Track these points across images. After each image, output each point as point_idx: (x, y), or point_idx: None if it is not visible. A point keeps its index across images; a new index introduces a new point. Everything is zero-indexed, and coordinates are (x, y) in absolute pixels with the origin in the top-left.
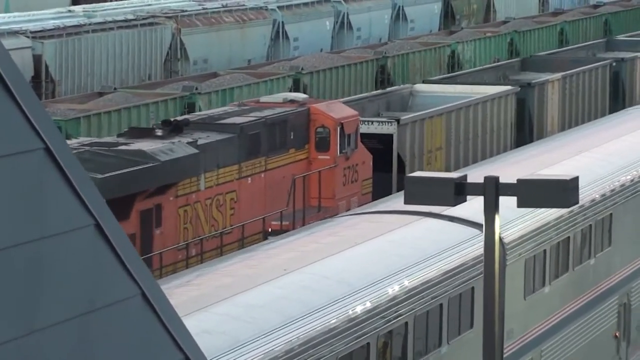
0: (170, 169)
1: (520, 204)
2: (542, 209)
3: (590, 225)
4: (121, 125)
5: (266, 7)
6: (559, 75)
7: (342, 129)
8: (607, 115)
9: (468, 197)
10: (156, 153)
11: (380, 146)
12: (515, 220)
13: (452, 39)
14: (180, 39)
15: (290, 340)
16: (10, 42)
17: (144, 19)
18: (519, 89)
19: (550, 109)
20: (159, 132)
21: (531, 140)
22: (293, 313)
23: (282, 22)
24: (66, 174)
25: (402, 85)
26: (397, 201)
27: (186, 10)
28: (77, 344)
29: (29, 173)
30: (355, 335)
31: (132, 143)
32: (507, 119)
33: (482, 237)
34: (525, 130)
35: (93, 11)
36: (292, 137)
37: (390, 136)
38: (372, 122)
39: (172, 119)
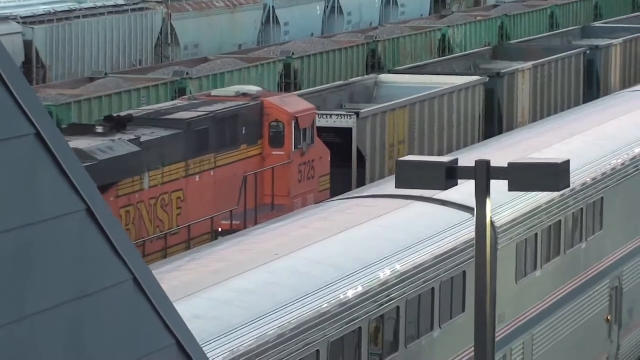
0: (109, 168)
1: (511, 188)
2: (534, 193)
3: (582, 208)
4: (112, 111)
5: None
6: (529, 64)
7: (297, 123)
8: (581, 104)
9: (459, 181)
10: (94, 151)
11: (339, 140)
12: (506, 204)
13: (442, 23)
14: (171, 24)
15: (282, 325)
16: (0, 28)
17: (134, 4)
18: (488, 79)
19: (521, 100)
20: (100, 129)
21: (500, 132)
22: (284, 298)
23: (273, 6)
24: (57, 160)
25: (366, 76)
26: (388, 185)
27: None
28: (69, 330)
29: (20, 158)
30: (346, 319)
31: (70, 141)
32: (475, 110)
33: (473, 221)
34: (495, 122)
35: None
36: (244, 132)
37: (350, 130)
38: (331, 115)
39: (114, 115)
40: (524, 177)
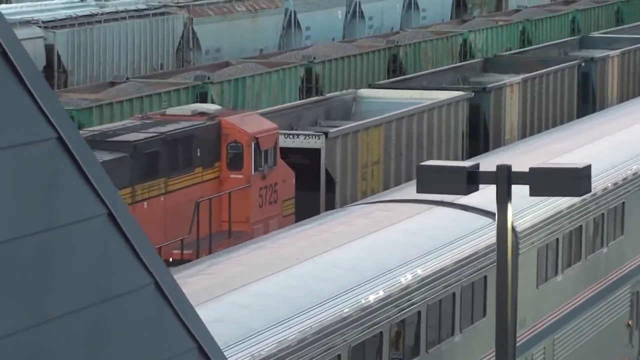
0: None
1: (532, 193)
2: (555, 198)
3: (603, 214)
4: (133, 115)
5: None
6: (518, 78)
7: (257, 144)
8: (575, 120)
9: (480, 185)
10: None
11: (307, 162)
12: (527, 209)
13: (464, 28)
14: (192, 28)
15: (303, 330)
16: (22, 32)
17: (155, 8)
18: (472, 94)
19: (509, 115)
20: None
21: (486, 150)
22: (305, 302)
23: (294, 11)
24: (79, 164)
25: (344, 91)
26: (409, 190)
27: (198, 0)
28: (90, 334)
29: (41, 162)
30: (368, 324)
31: None
32: (458, 127)
33: (494, 226)
34: (480, 139)
35: (105, 1)
36: (199, 154)
37: (318, 151)
38: (297, 135)
39: None
40: (545, 182)
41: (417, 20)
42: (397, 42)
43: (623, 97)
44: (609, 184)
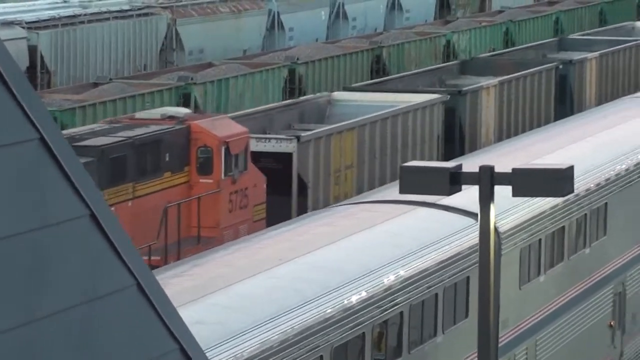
0: None
1: (515, 193)
2: (537, 198)
3: (586, 214)
4: (116, 116)
5: None
6: (495, 80)
7: (227, 148)
8: (552, 122)
9: (463, 186)
10: None
11: (279, 166)
12: (510, 210)
13: (447, 28)
14: (176, 29)
15: (286, 330)
16: (5, 33)
17: (139, 9)
18: (448, 97)
19: (485, 118)
20: None
21: (462, 154)
22: (288, 303)
23: (278, 12)
24: (61, 164)
25: (318, 94)
26: (392, 191)
27: (181, 1)
28: (76, 334)
29: (24, 163)
30: (350, 325)
31: None
32: (433, 130)
33: (477, 227)
34: (456, 143)
35: (88, 1)
36: (167, 159)
37: (290, 155)
38: (269, 139)
39: None
40: (527, 182)
41: (400, 21)
42: (381, 43)
43: (601, 99)
44: (592, 185)
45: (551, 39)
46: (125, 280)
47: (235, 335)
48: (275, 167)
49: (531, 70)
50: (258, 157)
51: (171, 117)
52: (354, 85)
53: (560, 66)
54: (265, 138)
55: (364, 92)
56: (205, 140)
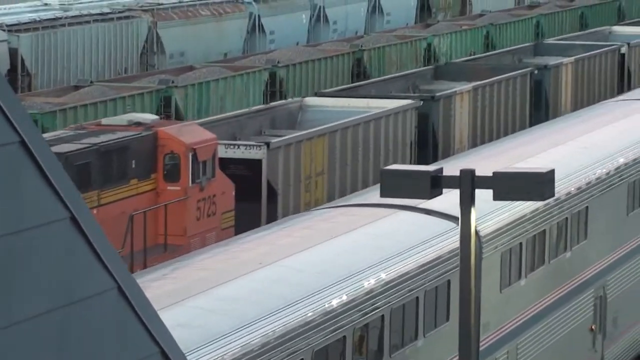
0: None
1: (496, 197)
2: (518, 202)
3: (567, 218)
4: (97, 119)
5: (242, 0)
6: (469, 86)
7: (195, 155)
8: (527, 128)
9: (444, 190)
10: None
11: (248, 173)
12: (491, 213)
13: (428, 32)
14: (157, 32)
15: (267, 334)
16: None
17: (120, 12)
18: (421, 102)
19: (459, 124)
20: None
21: (435, 160)
22: (269, 306)
23: (258, 15)
24: (42, 167)
25: (290, 99)
26: (373, 194)
27: (162, 4)
28: (55, 337)
29: (4, 166)
30: (331, 328)
31: None
32: (405, 136)
33: (458, 230)
34: (429, 149)
35: (69, 4)
36: (134, 166)
37: (259, 162)
38: (238, 146)
39: None
40: (508, 186)
41: (381, 25)
42: (362, 46)
43: (577, 105)
44: (573, 189)
45: (527, 44)
46: (106, 283)
47: (217, 338)
48: (245, 174)
49: (506, 75)
50: (227, 164)
51: (138, 124)
52: (326, 90)
53: (536, 71)
54: (235, 144)
55: (336, 97)
56: (172, 146)
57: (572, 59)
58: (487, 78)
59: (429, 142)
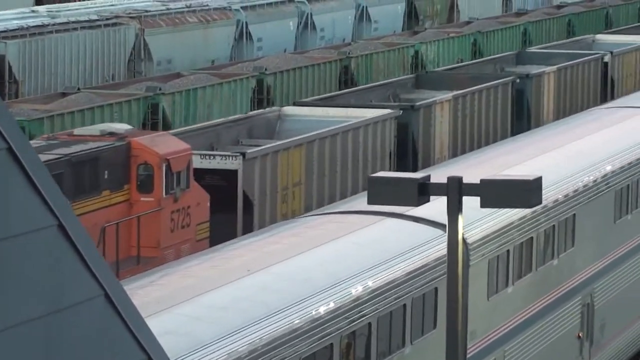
0: None
1: (483, 204)
2: (506, 210)
3: (554, 225)
4: (85, 126)
5: (230, 7)
6: (449, 95)
7: (168, 166)
8: (508, 137)
9: (431, 197)
10: None
11: (224, 183)
12: (478, 221)
13: (415, 39)
14: (144, 39)
15: (254, 341)
16: None
17: (107, 19)
18: (400, 112)
19: (439, 134)
20: None
21: (415, 170)
22: (256, 314)
23: (246, 22)
24: (29, 175)
25: (267, 109)
26: (360, 201)
27: (150, 11)
28: (41, 345)
29: None
30: (318, 335)
31: None
32: (385, 146)
33: (445, 238)
34: (409, 159)
35: (56, 11)
36: (106, 176)
37: (235, 172)
38: (214, 156)
39: None
40: (495, 193)
41: (368, 32)
42: (349, 53)
43: (559, 114)
44: (560, 196)
45: (509, 53)
46: (93, 290)
47: (204, 345)
48: (221, 185)
49: (487, 84)
50: (203, 174)
51: (111, 134)
52: (305, 100)
53: (517, 80)
54: (210, 155)
55: (315, 107)
56: (145, 157)
57: (554, 67)
58: (468, 87)
59: (408, 152)
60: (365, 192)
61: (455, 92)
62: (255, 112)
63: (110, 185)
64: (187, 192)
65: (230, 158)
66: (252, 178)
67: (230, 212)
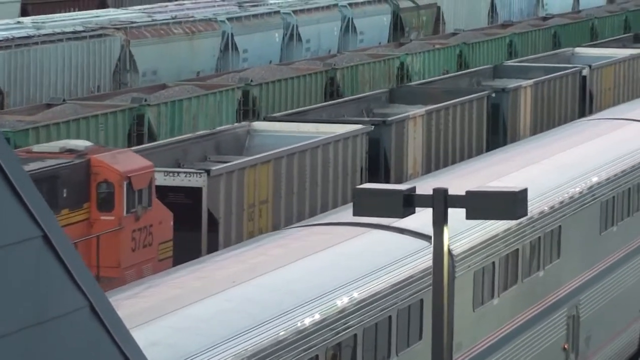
0: None
1: (469, 216)
2: (491, 221)
3: (539, 237)
4: (70, 137)
5: (215, 18)
6: (422, 110)
7: (129, 183)
8: (484, 152)
9: (417, 208)
10: None
11: (188, 201)
12: (464, 232)
13: (401, 50)
14: (129, 50)
15: (239, 353)
16: None
17: (92, 30)
18: (372, 127)
19: (412, 149)
20: None
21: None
22: (242, 325)
23: (232, 33)
24: (14, 186)
25: (236, 124)
26: (346, 213)
27: (135, 22)
28: (25, 356)
29: None
30: (303, 347)
31: None
32: (355, 162)
33: (431, 249)
34: (380, 175)
35: (42, 22)
36: (65, 195)
37: (199, 190)
38: (178, 173)
39: None
40: (481, 205)
41: (354, 43)
42: (335, 64)
43: (536, 129)
44: (546, 208)
45: (486, 66)
46: (78, 301)
47: (189, 357)
48: (185, 202)
49: (461, 99)
50: (167, 192)
51: (70, 151)
52: (274, 115)
53: (493, 94)
54: (174, 172)
55: (285, 122)
56: (105, 175)
57: (531, 81)
58: (443, 101)
59: (380, 168)
60: (351, 204)
61: (428, 107)
62: (224, 127)
63: (69, 204)
64: (149, 211)
65: (195, 175)
66: (217, 196)
67: (194, 230)
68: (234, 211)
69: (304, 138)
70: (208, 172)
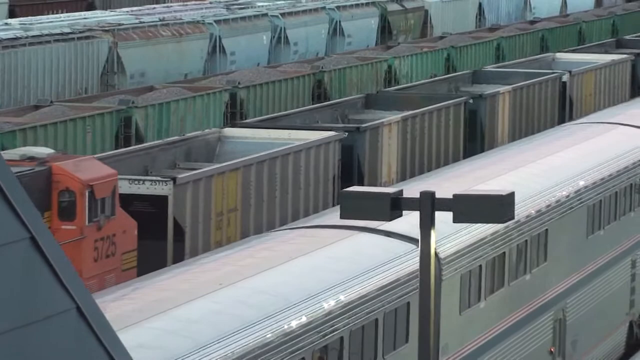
0: None
1: (456, 219)
2: (478, 224)
3: (526, 240)
4: (57, 139)
5: (203, 21)
6: (397, 116)
7: (92, 192)
8: (461, 159)
9: (404, 212)
10: None
11: (154, 210)
12: (451, 235)
13: (389, 54)
14: (117, 52)
15: (226, 355)
16: None
17: (80, 32)
18: (345, 134)
19: (387, 156)
20: None
21: None
22: (228, 327)
23: (219, 36)
24: (1, 187)
25: (207, 130)
26: (333, 216)
27: (123, 24)
28: (12, 358)
29: None
30: (290, 350)
31: None
32: (328, 170)
33: (417, 252)
34: (354, 182)
35: (30, 24)
36: None
37: (165, 198)
38: (143, 181)
39: None
40: (468, 208)
41: (342, 46)
42: (322, 67)
43: (515, 136)
44: (532, 211)
45: (464, 72)
46: (65, 303)
47: (176, 359)
48: (150, 211)
49: (438, 105)
50: (131, 200)
51: (31, 158)
52: (245, 121)
53: (470, 100)
54: (139, 180)
55: (257, 128)
56: (67, 183)
57: (509, 87)
58: (420, 107)
59: (354, 176)
60: (338, 207)
61: (404, 113)
62: (194, 133)
63: None
64: (112, 220)
65: (160, 183)
66: (183, 204)
67: (160, 239)
68: (201, 220)
69: (275, 145)
70: (174, 180)
